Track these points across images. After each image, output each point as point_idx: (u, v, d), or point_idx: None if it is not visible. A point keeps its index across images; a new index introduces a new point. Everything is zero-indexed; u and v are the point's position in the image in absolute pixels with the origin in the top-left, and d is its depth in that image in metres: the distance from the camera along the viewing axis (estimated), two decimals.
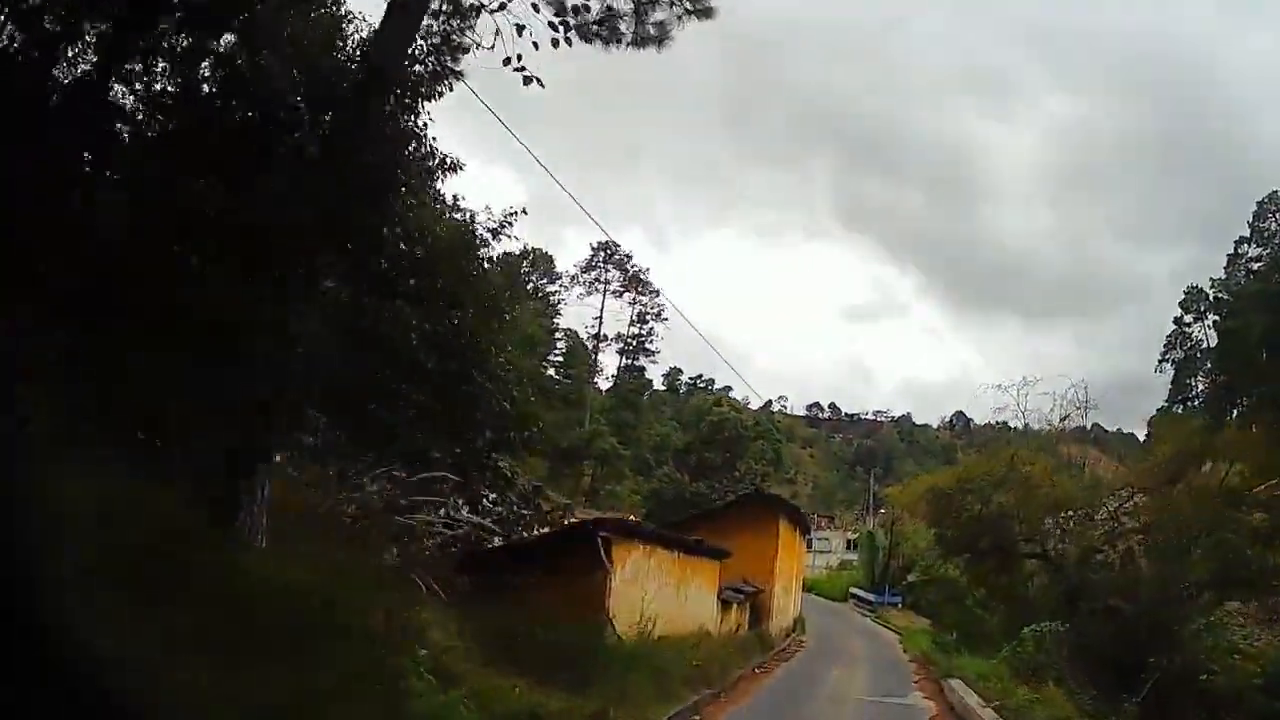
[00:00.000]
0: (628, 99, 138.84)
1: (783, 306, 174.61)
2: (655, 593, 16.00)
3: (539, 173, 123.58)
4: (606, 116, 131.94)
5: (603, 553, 14.12)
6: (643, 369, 73.57)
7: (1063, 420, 27.01)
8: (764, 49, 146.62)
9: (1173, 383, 69.82)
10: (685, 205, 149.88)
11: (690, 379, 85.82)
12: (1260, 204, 69.20)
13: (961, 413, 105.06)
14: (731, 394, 73.04)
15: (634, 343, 72.36)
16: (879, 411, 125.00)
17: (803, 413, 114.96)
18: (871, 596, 44.18)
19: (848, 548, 60.81)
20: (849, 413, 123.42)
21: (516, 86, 9.73)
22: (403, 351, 17.47)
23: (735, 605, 22.68)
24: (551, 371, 71.41)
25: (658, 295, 69.74)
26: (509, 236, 21.94)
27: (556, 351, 72.55)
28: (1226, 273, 70.12)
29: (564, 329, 71.90)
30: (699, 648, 16.98)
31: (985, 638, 24.97)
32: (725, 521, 25.48)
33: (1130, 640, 19.70)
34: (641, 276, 69.82)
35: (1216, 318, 68.19)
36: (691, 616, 18.41)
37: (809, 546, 59.49)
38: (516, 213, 21.71)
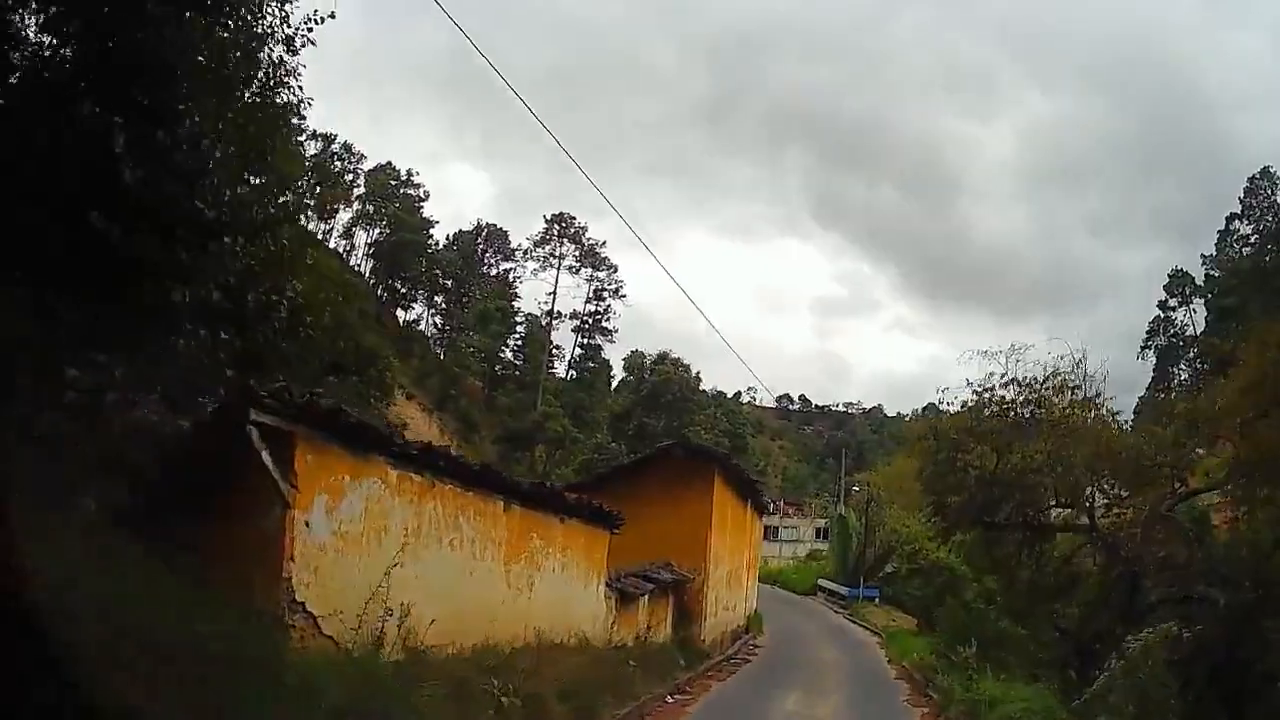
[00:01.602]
0: (604, 94, 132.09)
1: (756, 301, 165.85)
2: (440, 563, 7.95)
3: (514, 179, 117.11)
4: (582, 114, 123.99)
5: (272, 467, 6.10)
6: (599, 348, 65.49)
7: (1059, 392, 17.69)
8: (742, 46, 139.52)
9: (1154, 370, 65.40)
10: (661, 199, 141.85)
11: (654, 362, 77.49)
12: (1252, 179, 64.48)
13: (934, 404, 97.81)
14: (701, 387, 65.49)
15: (591, 320, 64.32)
16: (850, 404, 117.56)
17: (771, 404, 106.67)
18: (844, 589, 35.52)
19: (818, 536, 52.59)
20: (819, 404, 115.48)
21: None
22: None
23: (644, 599, 14.53)
24: (510, 354, 64.66)
25: (615, 270, 62.20)
26: (308, 42, 14.39)
27: (516, 334, 65.64)
28: (1217, 249, 65.04)
29: (524, 314, 64.95)
30: (533, 668, 8.88)
31: (1002, 644, 17.00)
32: (640, 484, 17.10)
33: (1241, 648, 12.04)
34: (598, 250, 61.78)
35: (1208, 297, 63.06)
36: (542, 614, 10.25)
37: (775, 535, 51.73)
38: (321, 17, 14.07)
